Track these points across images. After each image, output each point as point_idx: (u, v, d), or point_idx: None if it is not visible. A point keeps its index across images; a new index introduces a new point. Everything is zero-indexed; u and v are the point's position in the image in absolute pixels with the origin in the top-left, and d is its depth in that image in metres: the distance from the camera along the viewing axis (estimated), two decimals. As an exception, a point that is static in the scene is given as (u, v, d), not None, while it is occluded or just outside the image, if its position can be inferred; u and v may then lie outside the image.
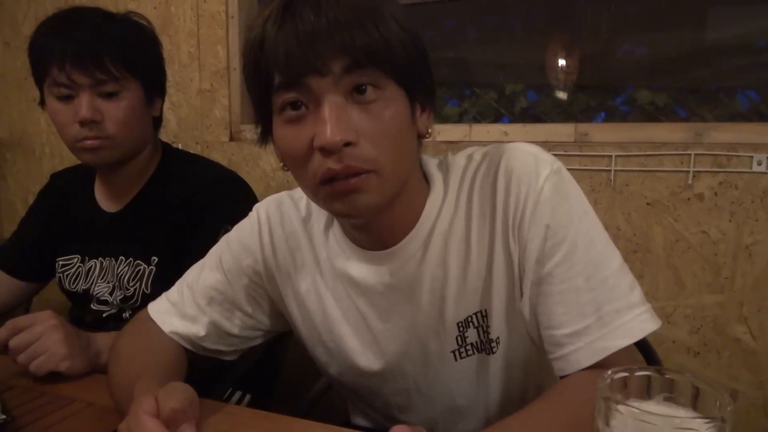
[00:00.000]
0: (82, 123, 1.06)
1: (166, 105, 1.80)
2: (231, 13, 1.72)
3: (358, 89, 0.62)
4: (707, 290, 1.29)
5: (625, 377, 0.48)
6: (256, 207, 0.88)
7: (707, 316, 1.29)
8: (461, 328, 0.76)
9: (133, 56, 1.10)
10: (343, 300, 0.81)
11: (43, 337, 0.87)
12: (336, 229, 0.81)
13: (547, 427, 0.62)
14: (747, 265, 1.25)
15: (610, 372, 0.47)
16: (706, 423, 0.40)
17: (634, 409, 0.41)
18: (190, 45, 1.77)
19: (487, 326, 0.75)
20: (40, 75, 1.10)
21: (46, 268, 1.28)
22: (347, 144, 0.62)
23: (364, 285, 0.78)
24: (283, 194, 0.88)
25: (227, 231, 1.09)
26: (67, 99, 1.08)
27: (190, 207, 1.13)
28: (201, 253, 1.08)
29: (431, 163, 0.78)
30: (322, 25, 0.60)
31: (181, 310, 0.87)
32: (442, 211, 0.75)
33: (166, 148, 1.26)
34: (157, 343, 0.85)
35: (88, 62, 1.04)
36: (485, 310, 0.75)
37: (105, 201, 1.22)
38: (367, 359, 0.82)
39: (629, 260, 1.35)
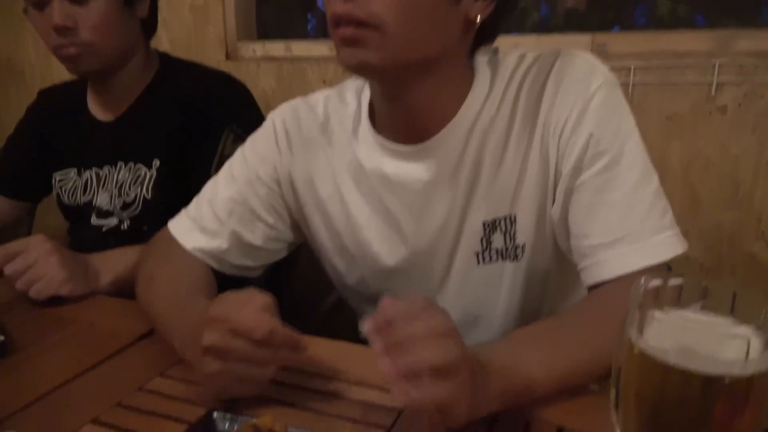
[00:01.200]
0: (57, 30, 1.01)
1: (157, 22, 1.71)
2: None
3: None
4: (725, 207, 1.25)
5: (658, 286, 0.44)
6: (271, 115, 0.85)
7: (723, 234, 1.26)
8: (487, 230, 0.75)
9: None
10: (372, 202, 0.79)
11: (39, 261, 0.85)
12: (365, 127, 0.78)
13: (554, 343, 0.60)
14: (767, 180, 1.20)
15: (643, 280, 0.43)
16: (755, 330, 0.36)
17: (674, 316, 0.38)
18: (179, -45, 1.65)
19: (514, 232, 0.74)
20: None
21: (40, 186, 1.25)
22: None
23: (399, 183, 0.76)
24: (298, 100, 0.85)
25: (232, 131, 1.07)
26: (40, 6, 1.02)
27: (192, 109, 1.10)
28: (206, 155, 1.06)
29: (480, 59, 0.74)
30: None
31: (201, 225, 0.84)
32: (485, 107, 0.73)
33: (164, 56, 1.20)
34: (185, 262, 0.82)
35: None
36: (514, 216, 0.74)
37: (99, 111, 1.18)
38: (394, 260, 0.80)
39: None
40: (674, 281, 0.44)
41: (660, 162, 1.27)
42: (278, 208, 0.84)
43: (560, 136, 0.69)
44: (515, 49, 0.75)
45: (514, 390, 0.55)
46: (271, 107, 1.59)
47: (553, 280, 0.78)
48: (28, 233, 1.49)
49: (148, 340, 0.75)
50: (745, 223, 1.24)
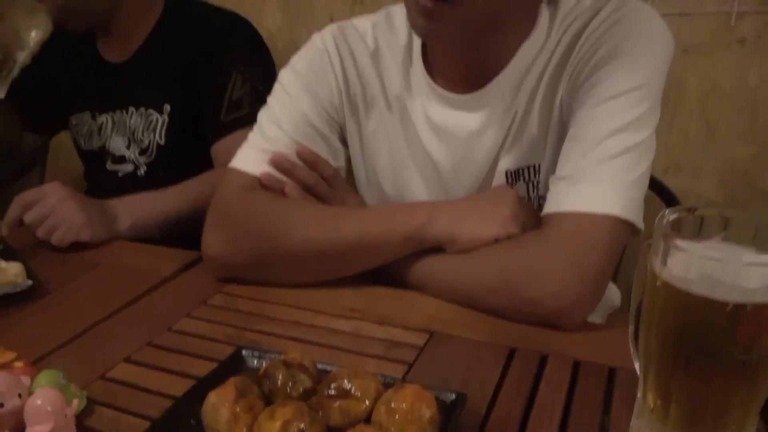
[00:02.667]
0: None
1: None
2: None
3: None
4: (740, 140, 1.23)
5: (679, 217, 0.44)
6: (318, 35, 0.81)
7: (737, 168, 1.25)
8: (509, 179, 0.75)
9: None
10: (413, 144, 0.78)
11: (57, 208, 0.85)
12: (418, 68, 0.76)
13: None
14: (785, 112, 1.18)
15: (666, 211, 0.43)
16: (774, 258, 0.37)
17: (697, 246, 0.38)
18: None
19: (538, 182, 0.74)
20: None
21: (52, 122, 1.27)
22: None
23: (444, 129, 0.76)
24: (347, 24, 0.81)
25: (240, 73, 1.06)
26: None
27: (199, 51, 1.08)
28: (216, 99, 1.05)
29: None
30: None
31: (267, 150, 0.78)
32: (540, 56, 0.71)
33: None
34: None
35: None
36: (538, 165, 0.73)
37: (108, 53, 1.17)
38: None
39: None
40: (697, 212, 0.45)
41: (676, 95, 1.26)
42: (335, 130, 0.81)
43: (577, 76, 0.67)
44: None
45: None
46: (277, 46, 1.57)
47: None
48: (41, 177, 1.50)
49: (173, 282, 0.77)
50: (760, 159, 1.22)
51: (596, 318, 0.85)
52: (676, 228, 0.44)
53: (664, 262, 0.40)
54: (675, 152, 1.29)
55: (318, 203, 0.76)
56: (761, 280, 0.37)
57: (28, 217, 0.86)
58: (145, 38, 1.13)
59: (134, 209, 0.96)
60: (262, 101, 1.05)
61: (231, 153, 1.05)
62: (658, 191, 1.08)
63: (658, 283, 0.41)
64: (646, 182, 0.65)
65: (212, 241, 0.74)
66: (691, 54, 1.22)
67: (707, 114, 1.24)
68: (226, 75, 1.07)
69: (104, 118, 1.17)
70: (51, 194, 0.87)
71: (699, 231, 0.45)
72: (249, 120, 1.06)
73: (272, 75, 1.16)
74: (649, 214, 1.13)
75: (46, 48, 1.25)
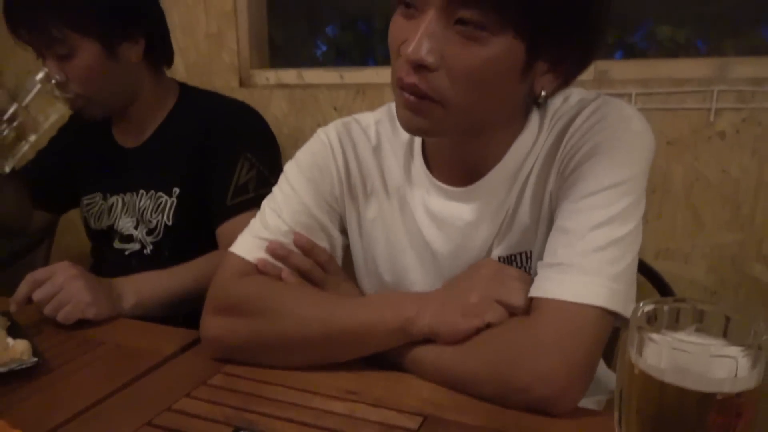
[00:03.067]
0: (56, 85, 1.08)
1: (174, 49, 1.77)
2: (236, -48, 1.66)
3: (461, 21, 0.61)
4: (726, 228, 1.28)
5: (655, 308, 0.48)
6: (323, 130, 0.86)
7: (725, 255, 1.29)
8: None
9: (79, 16, 1.07)
10: (412, 232, 0.82)
11: (66, 287, 0.88)
12: (418, 163, 0.81)
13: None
14: None
15: (642, 303, 0.47)
16: (743, 350, 0.40)
17: (669, 338, 0.41)
18: (195, -14, 1.72)
19: (529, 268, 0.77)
20: None
21: (62, 200, 1.32)
22: (424, 66, 0.62)
23: (442, 219, 0.79)
24: (350, 120, 0.86)
25: (247, 159, 1.13)
26: (43, 59, 1.10)
27: (208, 137, 1.15)
28: (223, 183, 1.12)
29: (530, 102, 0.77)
30: None
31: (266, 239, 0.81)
32: (531, 152, 0.75)
33: (184, 86, 1.26)
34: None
35: (33, 27, 1.06)
36: (529, 252, 0.76)
37: (123, 138, 1.24)
38: (425, 290, 0.82)
39: (648, 200, 1.32)
40: (671, 303, 0.48)
41: (662, 184, 1.31)
42: (335, 220, 0.85)
43: (564, 170, 0.71)
44: (563, 90, 0.75)
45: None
46: (282, 132, 1.66)
47: None
48: (48, 252, 1.54)
49: (174, 361, 0.79)
50: (746, 245, 1.27)
51: (592, 404, 0.86)
52: (653, 318, 0.48)
53: (640, 353, 0.43)
54: (665, 239, 1.33)
55: (312, 289, 0.79)
56: (727, 371, 0.39)
57: (37, 295, 0.88)
58: (158, 125, 1.20)
59: (139, 288, 0.99)
60: (267, 185, 1.11)
61: (235, 235, 1.10)
62: (649, 276, 1.11)
63: (635, 372, 0.44)
64: (633, 274, 0.68)
65: (210, 323, 0.77)
66: (675, 146, 1.29)
67: (693, 203, 1.29)
68: (233, 161, 1.13)
69: (115, 199, 1.22)
70: (60, 273, 0.90)
71: (676, 321, 0.48)
72: (254, 203, 1.11)
73: (278, 161, 1.23)
74: (641, 298, 1.17)
75: (63, 131, 1.33)
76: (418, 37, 0.61)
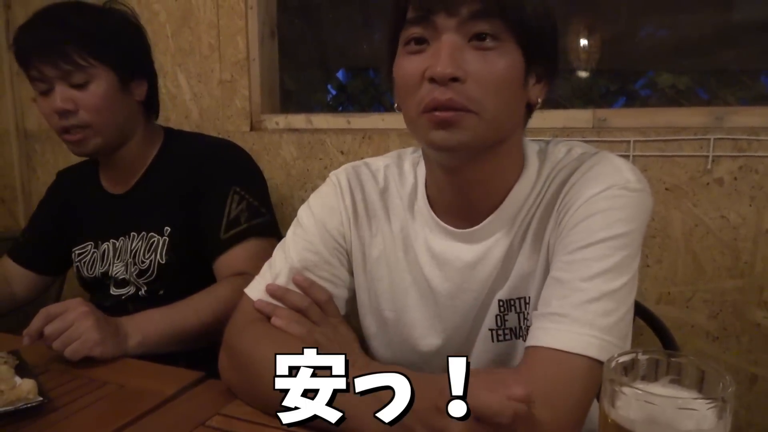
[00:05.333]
0: (59, 114, 1.12)
1: (188, 96, 1.84)
2: (250, 3, 1.74)
3: (479, 36, 0.67)
4: (727, 275, 1.28)
5: (632, 359, 0.49)
6: (334, 173, 0.91)
7: (726, 301, 1.29)
8: (502, 308, 0.80)
9: (100, 44, 1.12)
10: (414, 272, 0.85)
11: (76, 323, 0.91)
12: (422, 204, 0.84)
13: None
14: (767, 249, 1.24)
15: (616, 355, 0.48)
16: (708, 403, 0.41)
17: (638, 391, 0.43)
18: (210, 36, 1.79)
19: (527, 313, 0.79)
20: (25, 74, 1.15)
21: (60, 261, 1.34)
22: (455, 79, 0.67)
23: (443, 259, 0.82)
24: (360, 164, 0.91)
25: (236, 192, 1.17)
26: (47, 93, 1.13)
27: (196, 176, 1.19)
28: (214, 218, 1.15)
29: (531, 148, 0.81)
30: None
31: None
32: (529, 198, 0.78)
33: (168, 130, 1.31)
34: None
35: (52, 54, 1.09)
36: (528, 298, 0.79)
37: (111, 185, 1.27)
38: (424, 330, 0.85)
39: (648, 245, 1.35)
40: (646, 355, 0.50)
41: (662, 230, 1.33)
42: (341, 257, 0.88)
43: (561, 221, 0.74)
44: (567, 142, 0.80)
45: None
46: (291, 174, 1.70)
47: None
48: (60, 288, 1.57)
49: (175, 402, 0.81)
50: (747, 292, 1.27)
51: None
52: (630, 368, 0.49)
53: (612, 403, 0.45)
54: (666, 284, 1.34)
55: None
56: (695, 423, 0.41)
57: (48, 329, 0.91)
58: (146, 169, 1.24)
59: (142, 326, 1.01)
60: (258, 215, 1.16)
61: (232, 267, 1.13)
62: (650, 322, 1.12)
63: (609, 421, 0.45)
64: (627, 326, 0.69)
65: (221, 363, 0.82)
66: (674, 192, 1.31)
67: (693, 248, 1.31)
68: (223, 196, 1.16)
69: (106, 246, 1.24)
70: (72, 309, 0.93)
71: (655, 371, 0.50)
72: (247, 234, 1.15)
73: (265, 192, 1.25)
74: (642, 343, 1.17)
75: (51, 190, 1.36)
76: (444, 55, 0.67)
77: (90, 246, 1.27)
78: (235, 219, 1.15)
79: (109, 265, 1.23)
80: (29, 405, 0.74)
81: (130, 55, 1.20)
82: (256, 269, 0.91)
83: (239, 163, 1.25)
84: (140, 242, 1.20)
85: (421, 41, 0.70)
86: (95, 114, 1.14)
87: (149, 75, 1.26)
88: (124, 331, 0.99)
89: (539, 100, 0.75)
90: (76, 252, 1.28)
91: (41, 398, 0.76)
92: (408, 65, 0.71)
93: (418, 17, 0.69)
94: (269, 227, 1.20)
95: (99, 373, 0.90)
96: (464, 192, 0.79)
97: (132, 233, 1.21)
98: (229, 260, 1.14)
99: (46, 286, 1.39)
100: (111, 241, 1.23)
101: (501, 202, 0.78)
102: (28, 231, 1.37)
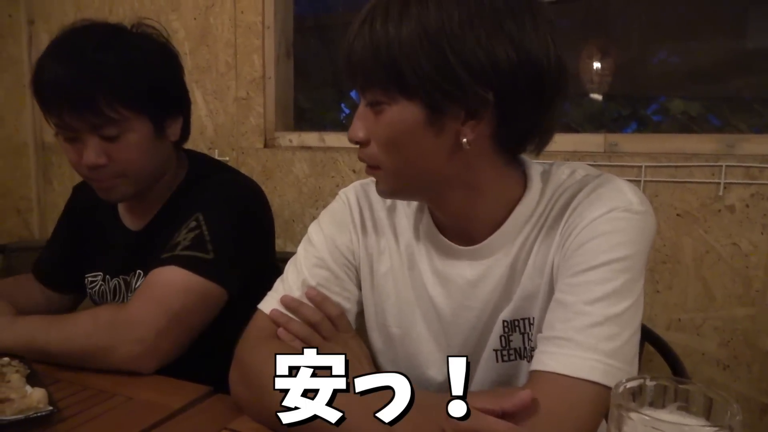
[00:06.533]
0: (89, 168, 1.02)
1: (204, 112, 1.87)
2: (267, 23, 1.77)
3: (371, 103, 0.74)
4: (738, 303, 1.27)
5: (640, 385, 0.49)
6: (344, 191, 0.94)
7: (737, 329, 1.28)
8: (506, 329, 0.80)
9: (133, 91, 1.00)
10: (420, 288, 0.86)
11: None
12: (426, 221, 0.86)
13: None
14: (779, 278, 1.24)
15: (624, 380, 0.49)
16: (715, 431, 0.41)
17: (645, 417, 0.43)
18: (227, 54, 1.82)
19: (532, 334, 0.79)
20: (44, 117, 1.03)
21: (77, 282, 1.25)
22: (359, 142, 0.76)
23: (445, 276, 0.83)
24: (369, 182, 0.92)
25: (197, 219, 1.04)
26: (73, 140, 1.02)
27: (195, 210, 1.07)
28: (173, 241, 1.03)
29: (535, 169, 0.81)
30: (356, 50, 0.73)
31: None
32: (532, 218, 0.79)
33: (192, 161, 1.20)
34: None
35: (78, 105, 0.97)
36: (532, 318, 0.79)
37: (129, 219, 1.20)
38: (430, 347, 0.85)
39: (658, 271, 1.35)
40: (653, 381, 0.50)
41: (673, 256, 1.33)
42: (350, 273, 0.90)
43: (564, 243, 0.74)
44: (570, 164, 0.81)
45: None
46: (303, 192, 1.72)
47: None
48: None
49: (181, 416, 0.81)
50: (759, 320, 1.26)
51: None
52: (638, 394, 0.49)
53: (619, 428, 0.45)
54: (676, 311, 1.33)
55: None
56: (700, 451, 0.41)
57: None
58: (162, 206, 1.16)
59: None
60: (199, 249, 1.00)
61: (142, 287, 1.00)
62: (659, 348, 1.11)
63: (615, 448, 0.45)
64: (633, 349, 0.69)
65: (232, 377, 0.82)
66: (685, 218, 1.31)
67: (704, 275, 1.30)
68: (189, 218, 1.05)
69: (116, 282, 1.19)
70: None
71: (663, 398, 0.50)
72: (172, 260, 0.99)
73: (231, 233, 1.06)
74: (652, 369, 1.16)
75: (70, 209, 1.29)
76: (353, 121, 0.76)
77: (99, 277, 1.21)
78: (176, 243, 1.03)
79: (123, 298, 1.17)
80: (39, 414, 0.75)
81: (165, 95, 1.08)
82: (155, 298, 0.94)
83: (225, 198, 1.10)
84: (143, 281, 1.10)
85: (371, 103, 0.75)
86: (129, 165, 1.04)
87: (184, 108, 1.15)
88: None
89: (466, 141, 0.70)
90: (89, 279, 1.23)
91: (51, 408, 0.77)
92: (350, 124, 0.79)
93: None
94: (203, 265, 0.99)
95: (108, 385, 0.90)
96: (455, 220, 0.81)
97: (138, 271, 1.14)
98: (150, 277, 1.00)
99: (69, 306, 1.30)
100: (121, 277, 1.18)
101: (503, 221, 0.79)
102: (49, 248, 1.31)
